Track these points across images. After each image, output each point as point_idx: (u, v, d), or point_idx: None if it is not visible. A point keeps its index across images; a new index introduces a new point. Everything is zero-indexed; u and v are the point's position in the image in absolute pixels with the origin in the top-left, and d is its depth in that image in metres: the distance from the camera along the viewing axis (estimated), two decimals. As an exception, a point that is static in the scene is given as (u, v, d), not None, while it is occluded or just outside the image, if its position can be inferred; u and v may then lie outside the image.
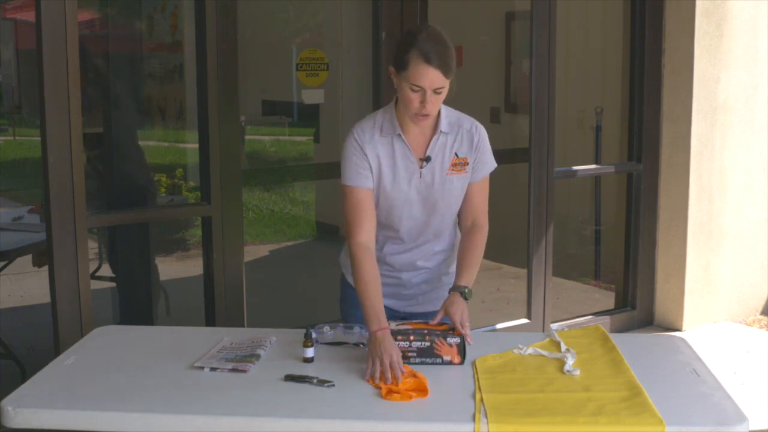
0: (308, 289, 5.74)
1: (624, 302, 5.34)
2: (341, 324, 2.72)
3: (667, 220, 5.22)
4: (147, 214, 4.37)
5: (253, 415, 2.19)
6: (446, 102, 2.67)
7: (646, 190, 5.20)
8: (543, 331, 4.63)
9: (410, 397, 2.27)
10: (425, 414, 2.21)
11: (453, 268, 2.85)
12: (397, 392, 2.28)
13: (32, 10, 3.35)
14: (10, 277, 5.40)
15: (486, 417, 2.14)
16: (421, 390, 2.31)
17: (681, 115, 5.09)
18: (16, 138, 11.80)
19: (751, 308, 5.50)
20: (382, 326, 2.50)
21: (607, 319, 5.16)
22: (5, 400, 2.26)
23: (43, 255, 3.86)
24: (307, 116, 6.27)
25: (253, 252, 6.55)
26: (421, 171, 2.69)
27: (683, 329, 5.17)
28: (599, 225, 6.50)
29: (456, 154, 2.70)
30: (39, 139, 3.38)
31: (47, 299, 3.49)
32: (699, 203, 5.14)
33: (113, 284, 4.77)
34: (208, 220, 3.84)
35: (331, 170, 5.57)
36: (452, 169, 2.70)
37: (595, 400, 2.25)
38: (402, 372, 2.37)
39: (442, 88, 2.55)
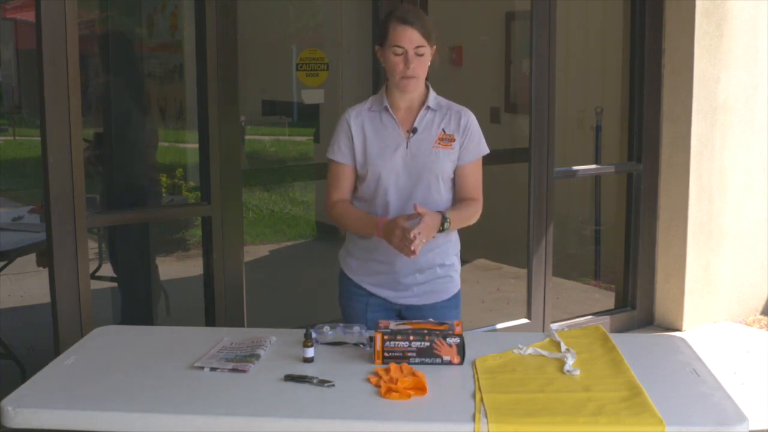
0: (308, 289, 5.74)
1: (624, 302, 5.34)
2: (341, 324, 2.72)
3: (667, 220, 5.22)
4: (147, 214, 4.37)
5: (253, 415, 2.19)
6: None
7: (646, 190, 5.20)
8: (543, 331, 4.63)
9: (409, 396, 2.28)
10: (425, 414, 2.21)
11: (449, 260, 2.90)
12: (396, 391, 2.28)
13: (32, 10, 3.35)
14: (10, 277, 5.40)
15: (486, 417, 2.14)
16: (420, 388, 2.31)
17: (681, 115, 5.09)
18: (16, 138, 11.80)
19: (751, 308, 5.50)
20: (379, 220, 2.73)
21: (607, 319, 5.16)
22: (5, 400, 2.26)
23: (45, 254, 3.86)
24: (307, 116, 6.28)
25: (253, 252, 6.56)
26: (407, 142, 2.80)
27: (683, 329, 5.17)
28: (599, 225, 6.50)
29: (443, 130, 2.81)
30: (39, 139, 3.38)
31: (47, 299, 3.49)
32: (699, 203, 5.14)
33: (113, 284, 4.77)
34: (208, 220, 3.84)
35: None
36: (439, 143, 2.81)
37: (595, 400, 2.25)
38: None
39: (422, 47, 2.72)
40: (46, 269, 3.49)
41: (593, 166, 5.70)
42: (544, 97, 4.71)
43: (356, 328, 2.69)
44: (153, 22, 4.84)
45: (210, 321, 3.88)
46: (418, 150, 2.80)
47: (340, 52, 5.39)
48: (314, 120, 6.07)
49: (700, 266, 5.21)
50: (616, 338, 2.71)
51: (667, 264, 5.24)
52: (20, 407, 2.23)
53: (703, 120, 5.07)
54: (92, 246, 4.58)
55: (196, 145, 3.93)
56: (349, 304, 2.96)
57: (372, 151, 2.82)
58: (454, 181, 2.87)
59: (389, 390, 2.29)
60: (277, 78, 5.76)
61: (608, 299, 5.60)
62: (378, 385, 2.33)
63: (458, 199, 2.87)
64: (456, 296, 2.98)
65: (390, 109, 2.82)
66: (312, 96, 4.77)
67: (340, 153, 2.87)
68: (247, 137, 6.18)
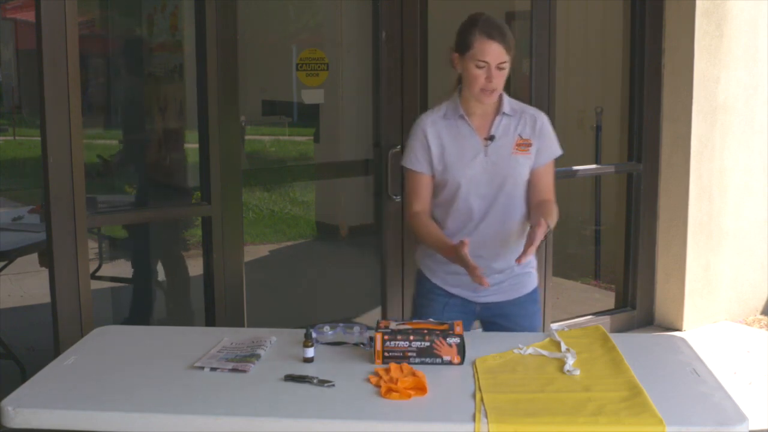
0: (308, 289, 5.74)
1: (624, 302, 5.34)
2: (341, 324, 2.72)
3: (667, 220, 5.22)
4: (147, 214, 4.37)
5: (253, 415, 2.19)
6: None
7: (646, 190, 5.20)
8: (543, 331, 4.63)
9: (409, 396, 2.28)
10: (425, 414, 2.21)
11: (527, 261, 2.86)
12: (396, 391, 2.28)
13: (32, 10, 3.35)
14: (10, 277, 5.40)
15: (486, 417, 2.14)
16: (420, 388, 2.31)
17: (681, 115, 5.09)
18: (16, 138, 11.81)
19: (751, 308, 5.50)
20: (453, 245, 2.70)
21: (607, 319, 5.16)
22: (5, 400, 2.26)
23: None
24: (307, 116, 6.27)
25: (253, 252, 6.55)
26: (486, 149, 2.81)
27: (683, 329, 5.16)
28: (599, 225, 6.50)
29: (520, 135, 2.83)
30: (39, 139, 3.38)
31: (47, 299, 3.49)
32: (699, 203, 5.14)
33: (113, 284, 4.78)
34: (208, 220, 3.84)
35: (331, 170, 5.59)
36: (517, 149, 2.82)
37: (595, 400, 2.25)
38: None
39: (504, 63, 2.74)
40: (47, 269, 3.49)
41: (593, 166, 5.70)
42: (544, 97, 4.71)
43: (356, 328, 2.69)
44: (153, 22, 4.84)
45: (210, 321, 3.88)
46: (498, 157, 2.81)
47: (340, 52, 5.39)
48: (314, 120, 6.06)
49: (700, 266, 5.21)
50: (616, 338, 2.71)
51: (667, 264, 5.24)
52: (20, 407, 2.23)
53: (703, 120, 5.07)
54: (92, 246, 4.58)
55: (196, 145, 3.93)
56: (428, 304, 2.96)
57: (450, 159, 2.82)
58: (529, 185, 2.88)
59: (389, 390, 2.29)
60: (277, 78, 5.75)
61: (608, 299, 5.60)
62: (378, 385, 2.33)
63: (534, 200, 2.87)
64: (535, 290, 3.00)
65: (466, 117, 2.83)
66: (312, 96, 4.77)
67: (417, 163, 2.86)
68: (247, 137, 6.17)
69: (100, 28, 5.44)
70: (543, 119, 2.90)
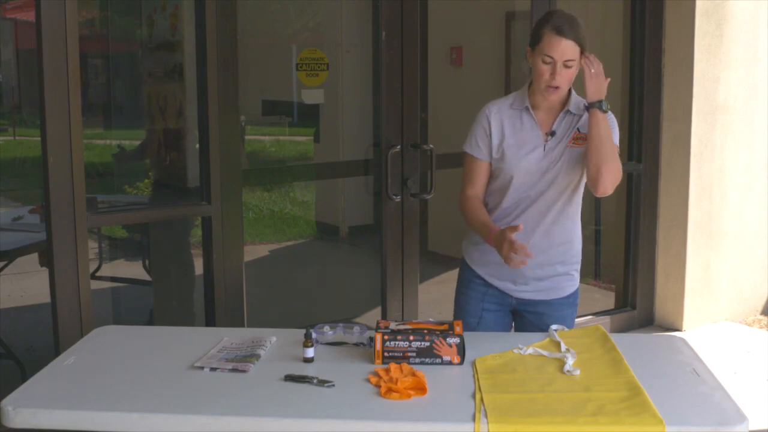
0: (308, 289, 5.74)
1: (624, 302, 5.34)
2: (341, 324, 2.73)
3: (667, 220, 5.22)
4: (147, 214, 4.36)
5: (253, 415, 2.19)
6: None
7: (646, 190, 5.20)
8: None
9: (409, 396, 2.28)
10: (425, 414, 2.21)
11: (572, 259, 2.93)
12: (396, 391, 2.28)
13: (32, 10, 3.34)
14: (10, 277, 5.40)
15: (486, 417, 2.14)
16: (420, 388, 2.31)
17: (681, 115, 5.09)
18: (16, 138, 11.81)
19: (751, 308, 5.50)
20: (492, 230, 2.74)
21: (607, 319, 5.16)
22: (5, 400, 2.26)
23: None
24: (307, 116, 6.27)
25: (253, 252, 6.55)
26: (545, 144, 2.81)
27: (683, 329, 5.17)
28: (599, 225, 6.50)
29: (578, 130, 2.82)
30: (39, 139, 3.38)
31: (47, 299, 3.49)
32: (699, 203, 5.14)
33: (114, 284, 4.78)
34: (208, 220, 3.84)
35: (331, 170, 5.59)
36: (574, 143, 2.82)
37: (595, 400, 2.25)
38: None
39: (572, 60, 2.73)
40: (47, 269, 3.49)
41: (593, 166, 5.69)
42: (544, 97, 4.70)
43: (356, 328, 2.69)
44: (153, 22, 4.84)
45: (210, 321, 3.88)
46: (555, 153, 2.82)
47: (340, 52, 5.39)
48: (314, 120, 6.06)
49: (700, 266, 5.21)
50: (616, 338, 2.71)
51: (667, 264, 5.24)
52: (20, 407, 2.23)
53: (703, 120, 5.07)
54: (92, 246, 4.59)
55: (196, 145, 3.93)
56: (467, 292, 3.01)
57: (508, 149, 2.84)
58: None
59: (389, 390, 2.29)
60: (277, 78, 5.75)
61: (608, 299, 5.60)
62: (378, 385, 2.33)
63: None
64: (573, 294, 3.00)
65: (531, 110, 2.84)
66: (312, 96, 4.77)
67: (477, 149, 2.88)
68: (247, 137, 6.17)
69: (100, 28, 5.44)
70: (608, 116, 2.85)
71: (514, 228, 2.66)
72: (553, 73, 2.73)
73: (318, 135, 6.13)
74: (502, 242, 2.68)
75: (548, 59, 2.72)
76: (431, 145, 4.31)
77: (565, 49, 2.71)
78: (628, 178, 5.26)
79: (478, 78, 6.79)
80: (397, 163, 4.25)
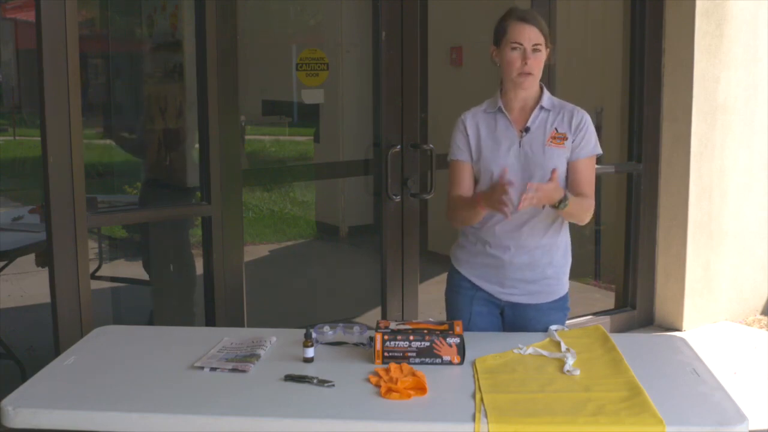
0: (308, 289, 5.74)
1: (624, 302, 5.34)
2: (341, 324, 2.73)
3: (667, 220, 5.22)
4: (147, 214, 4.37)
5: (253, 415, 2.19)
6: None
7: (646, 190, 5.20)
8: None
9: (409, 396, 2.28)
10: (425, 414, 2.21)
11: (560, 261, 2.93)
12: (396, 391, 2.28)
13: (32, 10, 3.35)
14: (10, 277, 5.40)
15: (486, 417, 2.14)
16: (420, 388, 2.31)
17: (681, 115, 5.08)
18: (16, 138, 11.81)
19: (751, 308, 5.50)
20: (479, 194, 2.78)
21: (607, 319, 5.16)
22: (5, 400, 2.26)
23: (45, 254, 3.87)
24: (307, 116, 6.27)
25: (253, 252, 6.55)
26: (520, 140, 2.85)
27: (683, 329, 5.16)
28: (599, 225, 6.49)
29: (556, 129, 2.86)
30: (39, 139, 3.38)
31: (47, 299, 3.49)
32: (699, 203, 5.14)
33: (114, 284, 4.78)
34: (208, 220, 3.84)
35: (331, 170, 5.59)
36: (551, 142, 2.85)
37: (595, 400, 2.25)
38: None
39: (539, 45, 2.78)
40: (46, 269, 3.49)
41: (593, 166, 5.69)
42: (544, 97, 4.70)
43: (356, 328, 2.69)
44: (153, 22, 4.84)
45: (210, 321, 3.88)
46: (531, 148, 2.84)
47: (340, 52, 5.39)
48: (314, 120, 6.06)
49: (700, 266, 5.21)
50: (616, 338, 2.71)
51: (667, 264, 5.24)
52: (20, 407, 2.24)
53: (703, 120, 5.07)
54: (92, 246, 4.58)
55: (196, 145, 3.93)
56: (455, 298, 3.01)
57: (485, 149, 2.87)
58: (567, 180, 2.89)
59: (389, 390, 2.29)
60: (277, 78, 5.75)
61: (608, 299, 5.59)
62: (378, 385, 2.33)
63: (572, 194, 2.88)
64: (563, 299, 2.98)
65: (504, 110, 2.89)
66: (312, 96, 4.77)
67: (459, 151, 2.92)
68: (247, 137, 6.17)
69: (100, 28, 5.44)
70: (582, 116, 2.91)
71: (502, 178, 2.67)
72: (524, 59, 2.77)
73: (318, 135, 6.13)
74: (492, 193, 2.68)
75: (516, 45, 2.77)
76: (431, 145, 4.31)
77: (531, 33, 2.77)
78: (628, 178, 5.26)
79: (478, 78, 6.76)
80: (397, 163, 4.25)
